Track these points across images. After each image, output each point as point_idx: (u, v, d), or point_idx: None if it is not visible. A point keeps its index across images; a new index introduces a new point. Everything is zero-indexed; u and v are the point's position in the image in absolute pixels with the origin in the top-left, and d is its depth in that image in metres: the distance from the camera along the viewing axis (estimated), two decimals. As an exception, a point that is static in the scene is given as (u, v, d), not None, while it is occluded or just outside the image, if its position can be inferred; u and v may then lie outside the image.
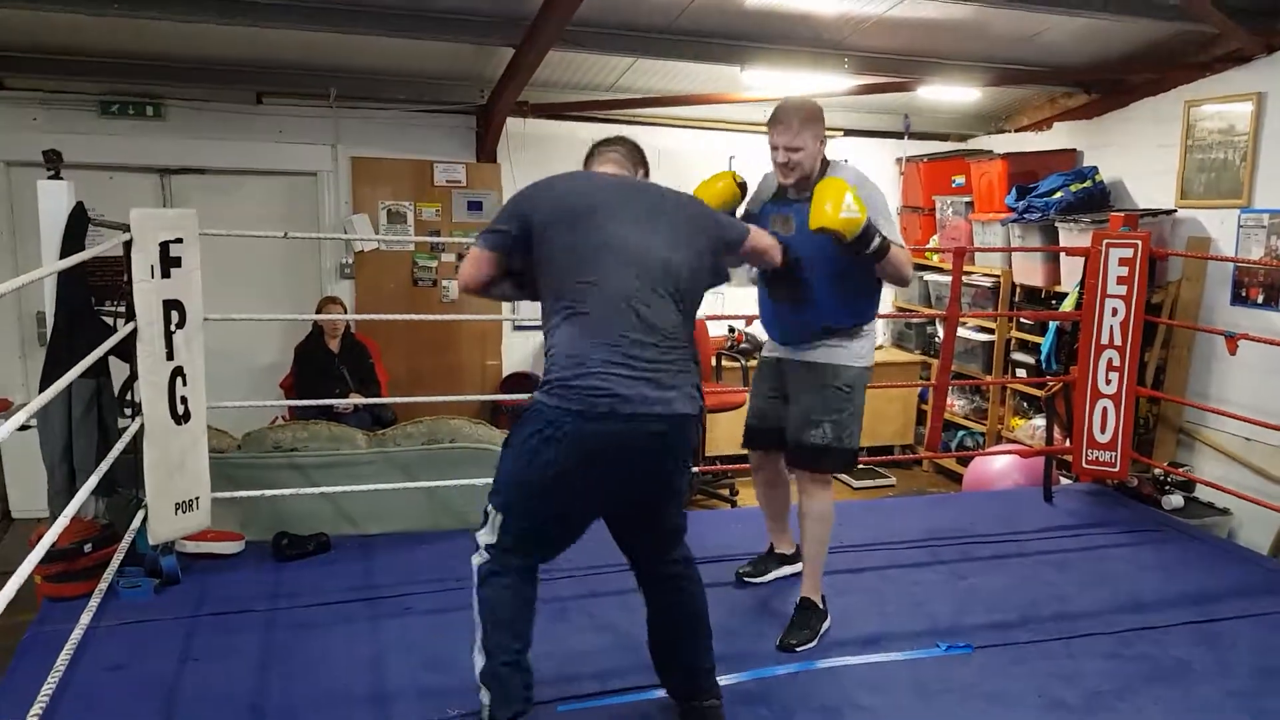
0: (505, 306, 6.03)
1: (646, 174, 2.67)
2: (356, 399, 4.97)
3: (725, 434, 5.95)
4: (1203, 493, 4.73)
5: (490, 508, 2.31)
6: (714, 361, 5.96)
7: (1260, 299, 4.66)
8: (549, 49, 4.57)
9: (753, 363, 6.06)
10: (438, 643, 2.88)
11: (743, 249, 2.65)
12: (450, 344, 6.03)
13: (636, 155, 2.66)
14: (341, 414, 4.89)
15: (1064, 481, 4.82)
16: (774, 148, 2.91)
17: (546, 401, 2.20)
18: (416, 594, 3.24)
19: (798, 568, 3.28)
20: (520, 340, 6.26)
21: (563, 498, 2.26)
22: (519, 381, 6.05)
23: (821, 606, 3.04)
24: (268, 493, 3.50)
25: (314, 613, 3.11)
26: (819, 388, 2.97)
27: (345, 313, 5.52)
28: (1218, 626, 3.17)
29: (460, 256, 5.94)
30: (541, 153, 6.04)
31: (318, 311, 5.38)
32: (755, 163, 6.28)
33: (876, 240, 2.76)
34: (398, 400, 5.09)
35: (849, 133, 6.58)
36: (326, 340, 5.28)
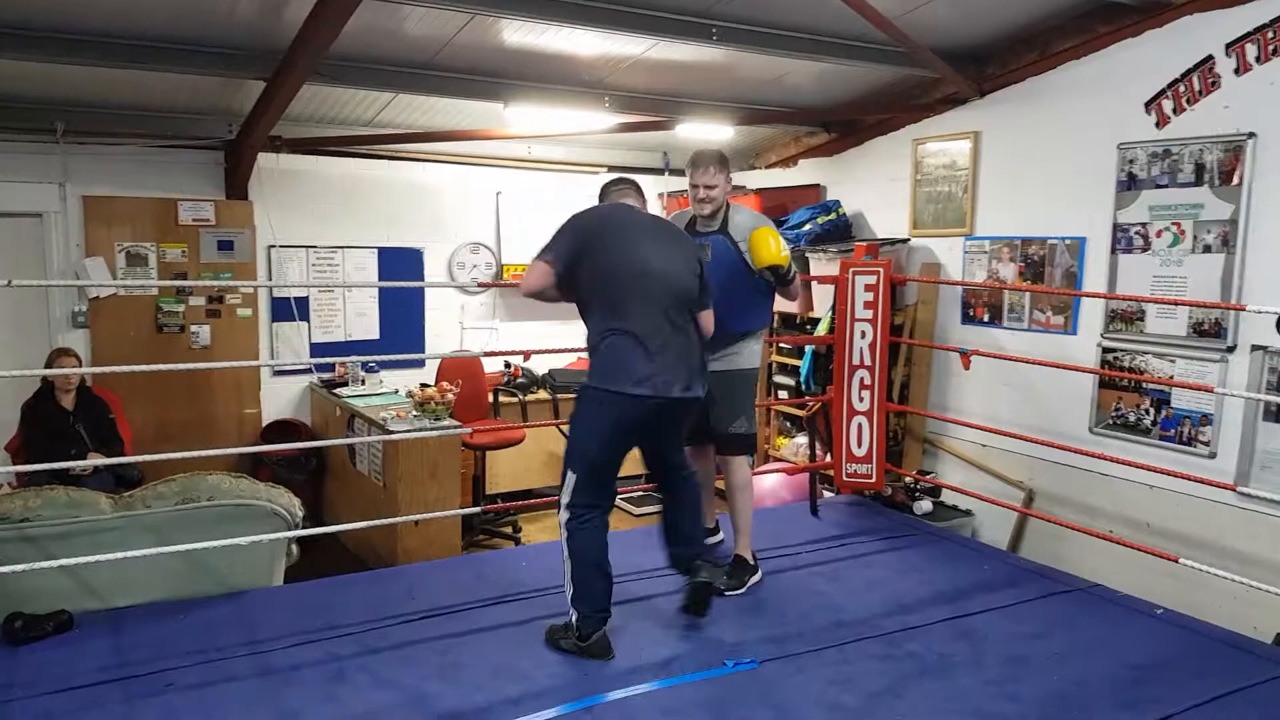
0: (263, 351, 5.70)
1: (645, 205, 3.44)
2: (96, 459, 4.47)
3: (506, 471, 5.88)
4: (948, 496, 5.17)
5: (567, 473, 3.07)
6: (491, 398, 5.86)
7: (986, 317, 5.18)
8: (303, 83, 4.37)
9: (531, 397, 6.05)
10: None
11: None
12: (202, 394, 5.59)
13: (639, 190, 3.43)
14: (80, 476, 4.38)
15: (827, 495, 5.09)
16: (694, 186, 3.60)
17: (602, 387, 3.02)
18: (177, 668, 2.91)
19: (717, 539, 4.09)
20: (280, 386, 5.89)
21: (615, 453, 3.11)
22: (282, 430, 5.68)
23: (752, 563, 3.73)
24: (-6, 571, 3.04)
25: (56, 700, 2.73)
26: (735, 390, 3.69)
27: (80, 365, 4.94)
28: (971, 621, 3.44)
29: (211, 299, 5.54)
30: (297, 189, 5.76)
31: (48, 365, 4.78)
32: (520, 199, 6.40)
33: (793, 270, 3.57)
34: (144, 459, 4.61)
35: (611, 168, 6.72)
36: (58, 396, 4.72)
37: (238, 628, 3.19)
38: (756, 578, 3.71)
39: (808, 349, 5.54)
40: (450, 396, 4.58)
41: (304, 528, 3.65)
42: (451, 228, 6.27)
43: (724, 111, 5.73)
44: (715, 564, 3.47)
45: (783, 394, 6.08)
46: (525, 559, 3.99)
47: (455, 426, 4.49)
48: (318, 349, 5.81)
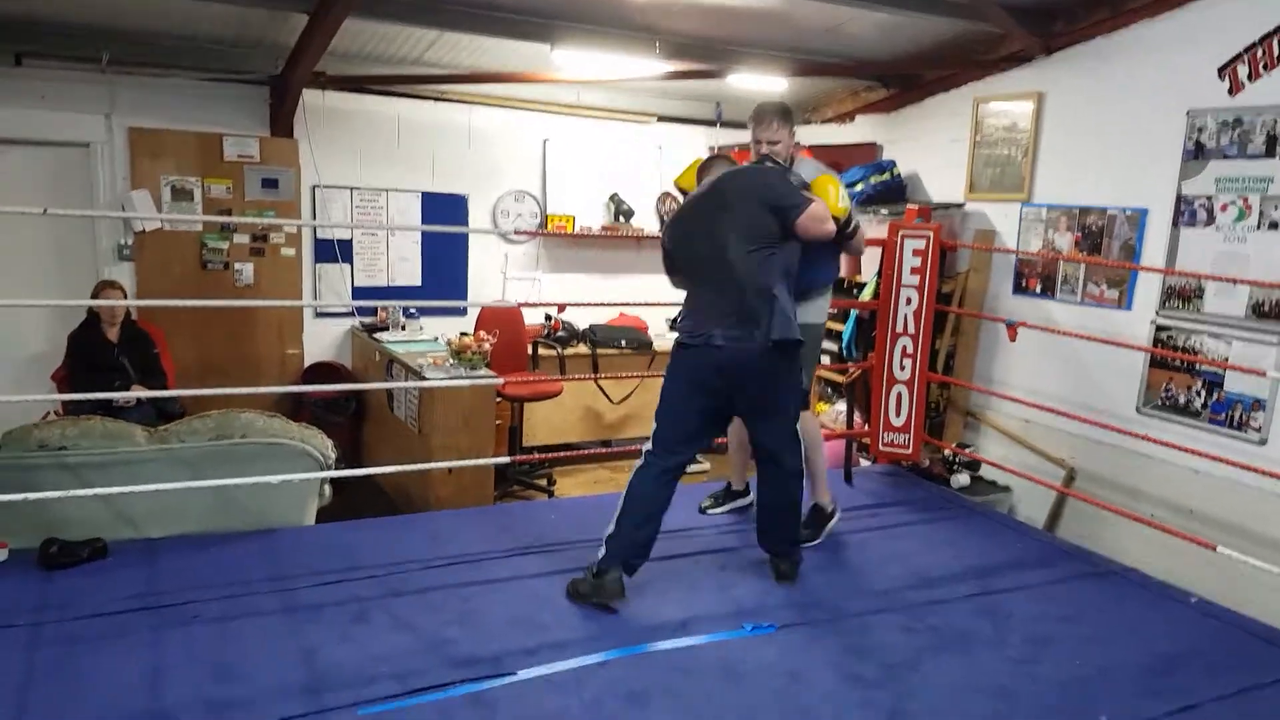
0: (306, 292, 5.75)
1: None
2: (139, 391, 4.57)
3: (543, 423, 5.90)
4: (987, 471, 5.08)
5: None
6: (530, 350, 5.86)
7: (1038, 289, 5.03)
8: (345, 16, 4.31)
9: (570, 350, 6.05)
10: (227, 651, 2.69)
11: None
12: (245, 332, 5.66)
13: (729, 161, 3.60)
14: (123, 408, 4.48)
15: (863, 463, 5.03)
16: (756, 141, 3.53)
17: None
18: (204, 600, 2.98)
19: (747, 500, 4.08)
20: (322, 328, 5.94)
21: (677, 405, 3.28)
22: (323, 372, 5.75)
23: (829, 510, 3.86)
24: (32, 496, 3.11)
25: (86, 625, 2.81)
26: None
27: (125, 298, 5.04)
28: (996, 599, 3.38)
29: (255, 237, 5.59)
30: (343, 128, 5.75)
31: (93, 297, 4.88)
32: (568, 147, 6.33)
33: (855, 222, 3.49)
34: (186, 393, 4.71)
35: (662, 118, 6.62)
36: (104, 328, 4.81)
37: (266, 564, 3.25)
38: (835, 521, 3.87)
39: (851, 314, 5.44)
40: (487, 346, 4.58)
41: (337, 469, 3.69)
42: (497, 174, 6.22)
43: (778, 61, 5.57)
44: (791, 563, 3.43)
45: (825, 359, 5.98)
46: (555, 512, 4.02)
47: (489, 376, 4.49)
48: (360, 292, 5.84)
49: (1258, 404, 4.01)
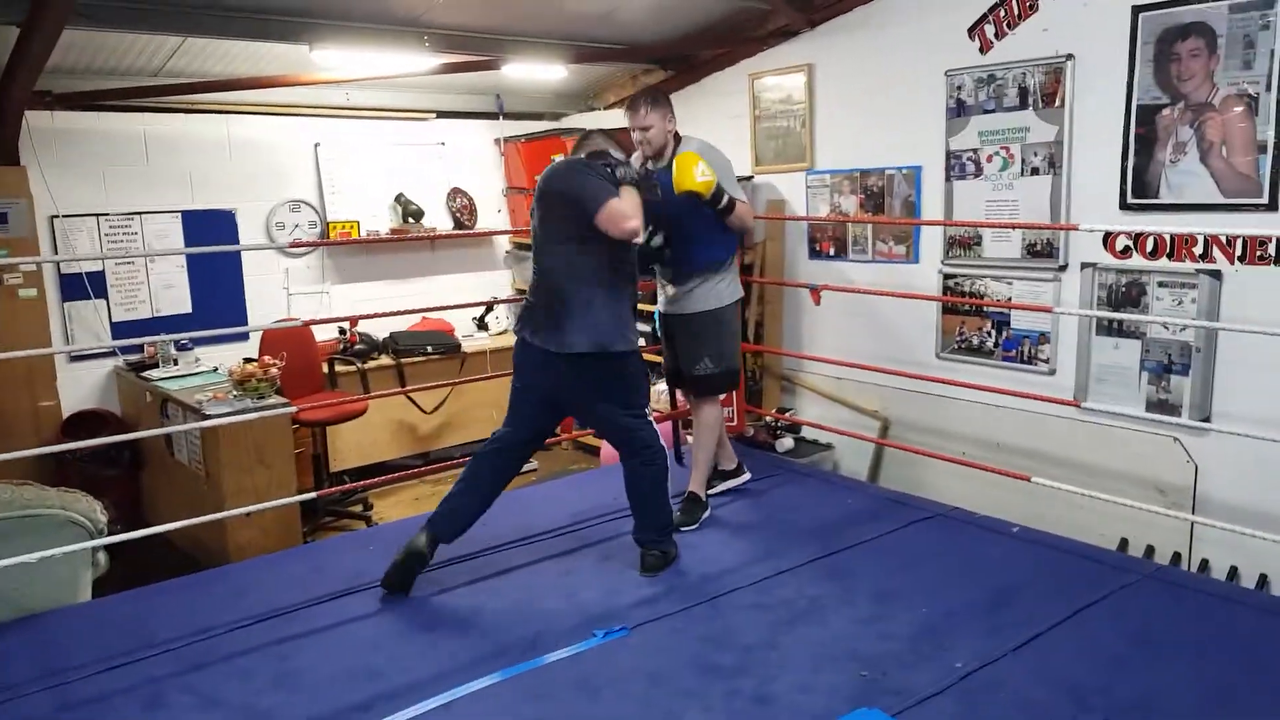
0: (55, 336, 5.06)
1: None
2: None
3: (350, 446, 5.50)
4: (808, 431, 5.16)
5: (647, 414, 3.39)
6: (326, 368, 5.43)
7: (832, 251, 5.15)
8: (62, 26, 3.78)
9: (371, 363, 5.68)
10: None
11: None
12: (-16, 388, 4.90)
13: (588, 138, 3.45)
14: None
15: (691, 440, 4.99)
16: (631, 130, 3.63)
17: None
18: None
19: (743, 479, 4.16)
20: (80, 373, 5.19)
21: (518, 395, 3.37)
22: (87, 422, 5.05)
23: (704, 499, 3.84)
24: None
25: None
26: (696, 331, 3.76)
27: None
28: (838, 559, 3.40)
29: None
30: (79, 150, 5.09)
31: None
32: (343, 150, 5.93)
33: (725, 198, 3.54)
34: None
35: (441, 114, 6.32)
36: None
37: (33, 657, 2.77)
38: (707, 513, 3.82)
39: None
40: (274, 371, 4.17)
41: (114, 531, 3.23)
42: (267, 185, 5.71)
43: (554, 49, 5.42)
44: (654, 555, 3.35)
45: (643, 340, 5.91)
46: (373, 542, 3.69)
47: (280, 404, 4.09)
48: (121, 328, 5.18)
49: (1044, 337, 4.25)
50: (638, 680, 2.58)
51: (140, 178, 5.28)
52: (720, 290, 3.77)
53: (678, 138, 3.72)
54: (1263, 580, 3.57)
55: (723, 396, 3.98)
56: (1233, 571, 3.66)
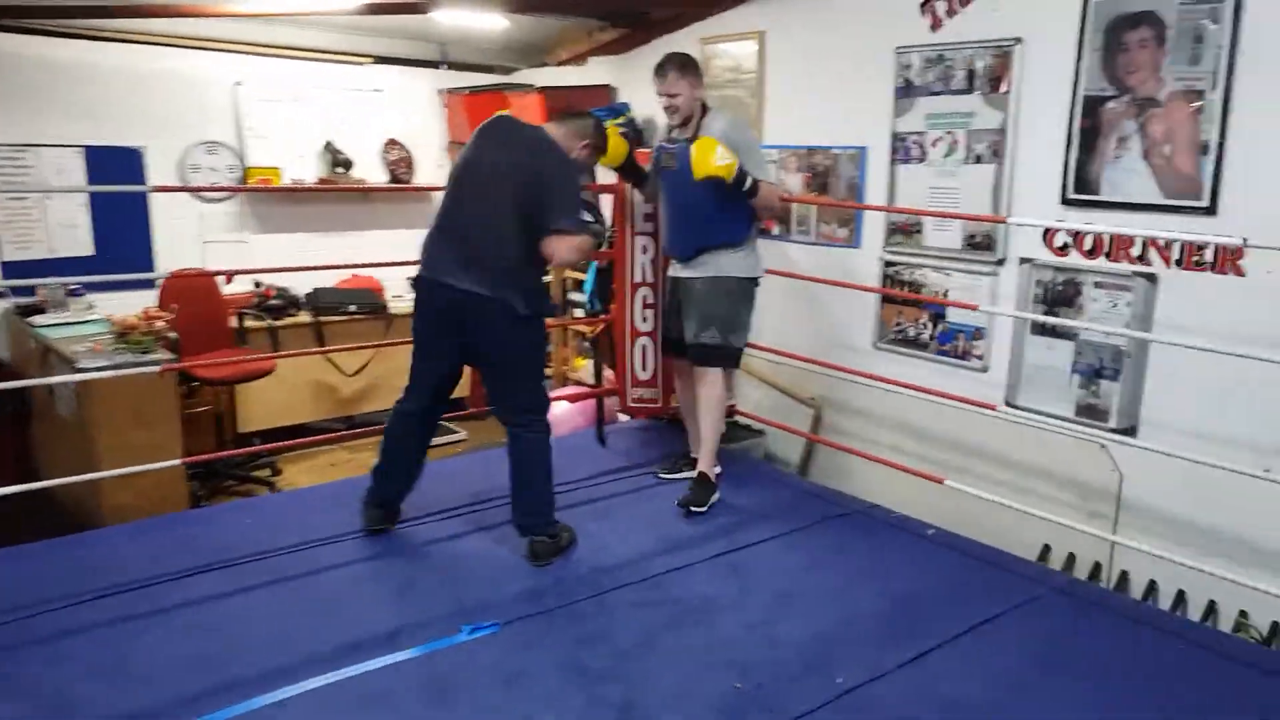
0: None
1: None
2: None
3: (260, 406, 5.25)
4: (741, 416, 4.97)
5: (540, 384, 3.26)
6: (236, 323, 5.15)
7: (775, 231, 4.94)
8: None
9: (287, 320, 5.41)
10: None
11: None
12: None
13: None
14: None
15: (622, 419, 4.81)
16: (659, 95, 3.59)
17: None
18: None
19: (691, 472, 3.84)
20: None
21: (421, 344, 3.24)
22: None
23: (713, 480, 3.69)
24: None
25: None
26: (705, 297, 3.63)
27: None
28: (743, 555, 3.23)
29: None
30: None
31: None
32: (267, 91, 5.60)
33: (749, 181, 3.44)
34: None
35: (379, 60, 6.00)
36: None
37: None
38: (717, 495, 3.69)
39: (591, 264, 5.16)
40: (159, 324, 3.90)
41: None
42: (180, 124, 5.35)
43: (491, -5, 5.10)
44: (540, 542, 3.13)
45: (578, 312, 5.71)
46: (253, 515, 3.46)
47: (164, 359, 3.82)
48: (13, 268, 4.87)
49: (979, 332, 4.09)
50: (494, 684, 2.38)
51: (36, 109, 4.92)
52: (738, 261, 3.66)
53: (704, 108, 3.65)
54: (1180, 596, 3.45)
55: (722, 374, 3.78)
56: (1151, 585, 3.54)
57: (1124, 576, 3.62)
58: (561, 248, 3.01)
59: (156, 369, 3.76)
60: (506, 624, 2.68)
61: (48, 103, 4.96)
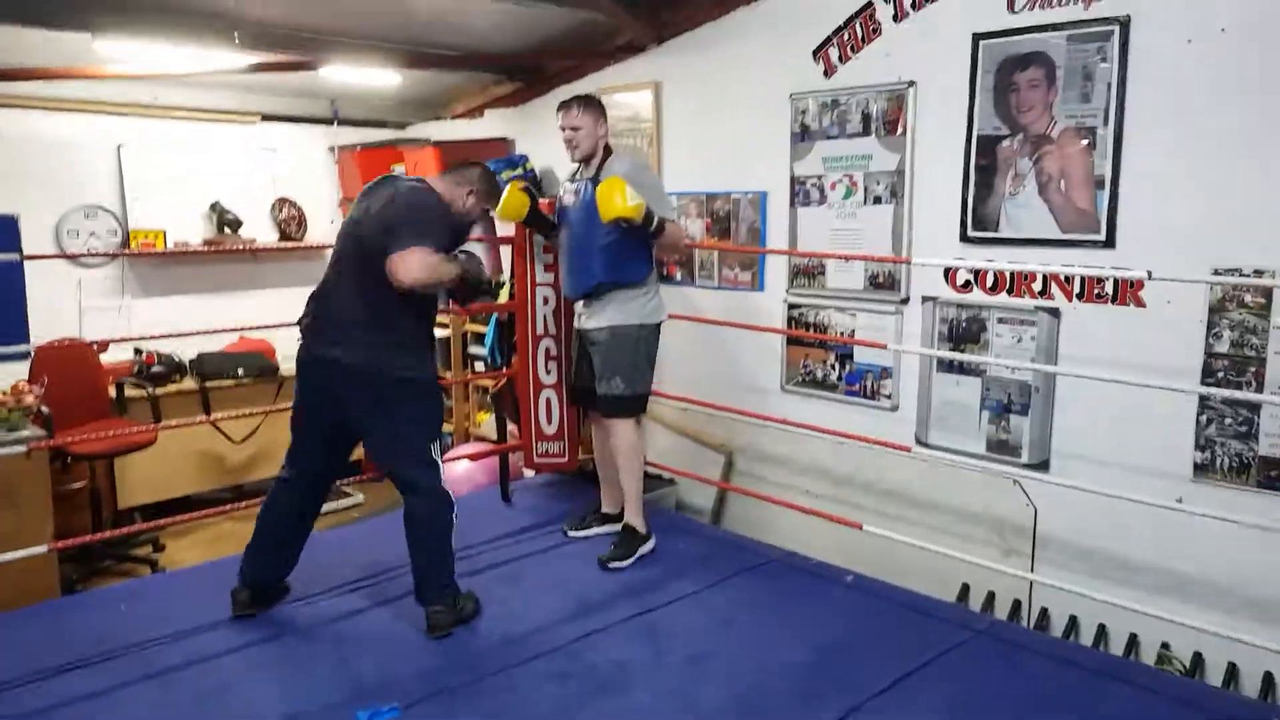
0: None
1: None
2: None
3: (141, 480, 4.92)
4: (651, 466, 4.85)
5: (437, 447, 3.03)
6: (115, 393, 4.83)
7: (679, 276, 4.90)
8: None
9: (170, 388, 5.10)
10: None
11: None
12: None
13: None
14: None
15: (528, 475, 4.65)
16: (561, 128, 3.59)
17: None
18: None
19: (617, 527, 3.74)
20: None
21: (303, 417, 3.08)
22: None
23: (642, 531, 3.63)
24: None
25: None
26: (607, 348, 3.57)
27: None
28: (657, 616, 3.10)
29: None
30: None
31: None
32: (151, 153, 5.36)
33: (655, 220, 3.38)
34: None
35: (267, 118, 5.82)
36: None
37: None
38: (648, 546, 3.63)
39: (492, 317, 5.02)
40: (29, 399, 3.62)
41: None
42: (57, 189, 5.09)
43: (387, 54, 5.01)
44: (438, 612, 2.95)
45: (479, 366, 5.55)
46: (127, 601, 3.19)
47: (32, 437, 3.53)
48: None
49: (886, 372, 4.08)
50: (395, 778, 2.20)
51: (-105, 174, 4.62)
52: (639, 307, 3.61)
53: (608, 150, 3.63)
54: (1102, 630, 3.44)
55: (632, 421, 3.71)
56: (1073, 621, 3.52)
57: (1044, 614, 3.60)
58: (400, 267, 2.75)
59: (23, 449, 3.47)
60: (408, 707, 2.48)
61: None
